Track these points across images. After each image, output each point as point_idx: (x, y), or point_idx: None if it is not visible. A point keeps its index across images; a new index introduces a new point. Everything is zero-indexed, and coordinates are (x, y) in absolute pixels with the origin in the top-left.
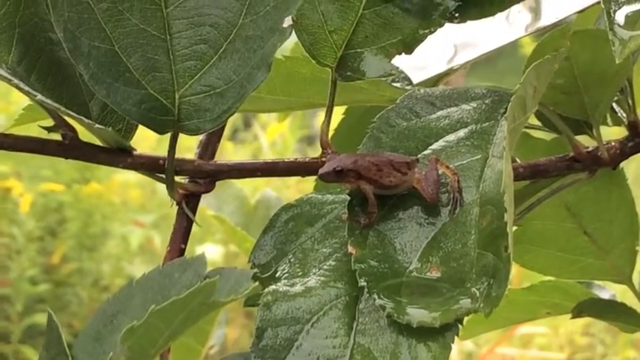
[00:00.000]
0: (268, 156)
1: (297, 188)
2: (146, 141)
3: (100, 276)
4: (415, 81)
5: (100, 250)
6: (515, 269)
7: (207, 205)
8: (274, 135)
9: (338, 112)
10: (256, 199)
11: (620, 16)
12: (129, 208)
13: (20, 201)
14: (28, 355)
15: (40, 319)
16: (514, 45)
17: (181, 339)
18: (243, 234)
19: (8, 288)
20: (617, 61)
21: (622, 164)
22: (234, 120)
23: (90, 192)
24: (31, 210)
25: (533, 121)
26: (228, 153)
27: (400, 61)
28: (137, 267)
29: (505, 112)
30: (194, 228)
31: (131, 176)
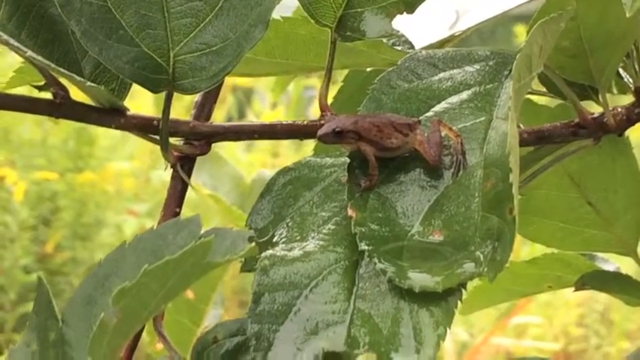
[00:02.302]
0: (262, 145)
1: None
2: None
3: (93, 265)
4: (417, 46)
5: (94, 239)
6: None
7: (202, 184)
8: None
9: (336, 87)
10: (252, 178)
11: None
12: (123, 197)
13: (14, 189)
14: None
15: None
16: (509, 34)
17: (176, 317)
18: (239, 213)
19: (2, 277)
20: (627, 15)
21: (627, 132)
22: (228, 109)
23: (84, 181)
24: (24, 199)
25: (538, 86)
26: (223, 143)
27: (401, 26)
28: None
29: (509, 74)
30: (189, 212)
31: (125, 165)
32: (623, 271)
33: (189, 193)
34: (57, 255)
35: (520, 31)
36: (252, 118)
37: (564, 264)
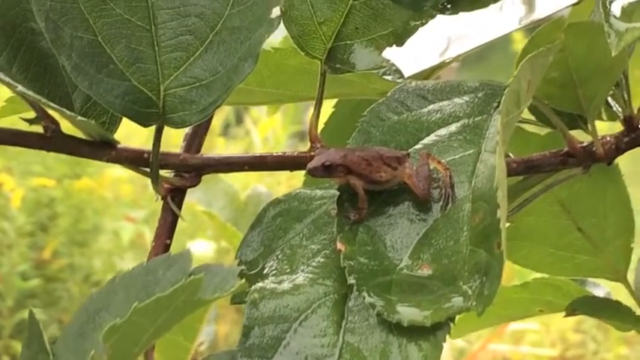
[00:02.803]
0: (260, 152)
1: (288, 184)
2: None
3: (91, 271)
4: (407, 74)
5: (91, 245)
6: (505, 266)
7: (197, 200)
8: (266, 131)
9: (329, 106)
10: (247, 194)
11: (616, 7)
12: (120, 204)
13: (11, 196)
14: (18, 350)
15: None
16: (506, 41)
17: (169, 336)
18: (233, 230)
19: None
20: (613, 54)
21: (616, 160)
22: (225, 115)
23: (81, 187)
24: (22, 205)
25: (527, 115)
26: (220, 148)
27: (392, 53)
28: (128, 262)
29: (498, 106)
30: (185, 223)
31: (122, 171)
32: (614, 296)
33: (186, 204)
34: (54, 261)
35: (517, 38)
36: (249, 125)
37: (555, 289)
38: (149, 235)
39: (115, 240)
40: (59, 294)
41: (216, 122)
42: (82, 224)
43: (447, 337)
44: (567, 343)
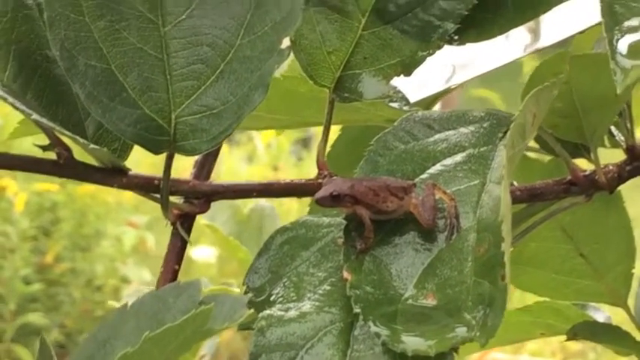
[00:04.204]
0: (263, 158)
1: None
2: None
3: (93, 276)
4: (413, 99)
5: (94, 250)
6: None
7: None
8: (269, 137)
9: (335, 129)
10: (249, 208)
11: (622, 45)
12: (123, 209)
13: (15, 200)
14: (20, 355)
15: (33, 318)
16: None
17: None
18: (236, 243)
19: (1, 287)
20: (618, 91)
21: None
22: None
23: (84, 192)
24: (25, 209)
25: (531, 143)
26: (223, 155)
27: (398, 79)
28: (130, 267)
29: (503, 136)
30: (196, 233)
31: None
32: (614, 320)
33: None
34: (57, 266)
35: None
36: (253, 131)
37: (556, 312)
38: (151, 241)
39: (117, 245)
40: (61, 298)
41: None
42: (84, 229)
43: None
44: (567, 353)
